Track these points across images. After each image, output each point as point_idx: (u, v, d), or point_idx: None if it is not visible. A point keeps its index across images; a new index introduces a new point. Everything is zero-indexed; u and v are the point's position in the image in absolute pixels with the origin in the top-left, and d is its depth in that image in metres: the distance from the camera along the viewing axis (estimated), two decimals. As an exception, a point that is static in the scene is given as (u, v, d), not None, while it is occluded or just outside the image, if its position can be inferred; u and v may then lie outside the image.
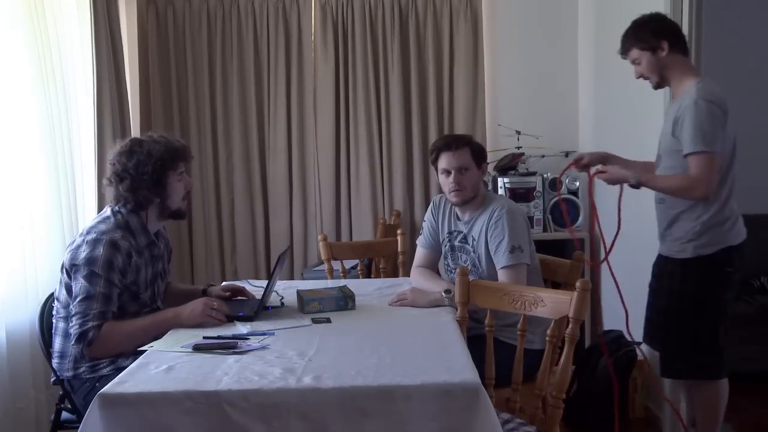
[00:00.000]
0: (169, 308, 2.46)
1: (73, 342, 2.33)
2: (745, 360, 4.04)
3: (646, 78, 2.85)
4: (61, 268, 2.45)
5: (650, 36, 2.77)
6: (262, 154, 4.67)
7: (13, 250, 3.15)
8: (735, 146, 2.76)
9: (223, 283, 2.90)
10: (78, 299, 2.33)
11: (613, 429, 3.41)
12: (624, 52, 2.87)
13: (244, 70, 4.59)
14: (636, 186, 2.72)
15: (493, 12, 4.62)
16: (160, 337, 2.27)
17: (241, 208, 4.64)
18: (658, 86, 2.88)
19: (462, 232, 2.79)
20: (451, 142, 2.75)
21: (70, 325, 2.34)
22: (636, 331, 3.71)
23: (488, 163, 3.63)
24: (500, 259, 2.63)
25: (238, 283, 2.88)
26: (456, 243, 2.82)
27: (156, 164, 2.44)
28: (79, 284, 2.34)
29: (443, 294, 2.59)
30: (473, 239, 2.73)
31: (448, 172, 2.73)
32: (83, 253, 2.35)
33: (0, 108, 3.15)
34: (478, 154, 2.77)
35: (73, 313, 2.34)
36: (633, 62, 2.85)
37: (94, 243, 2.36)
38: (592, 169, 2.91)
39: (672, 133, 2.70)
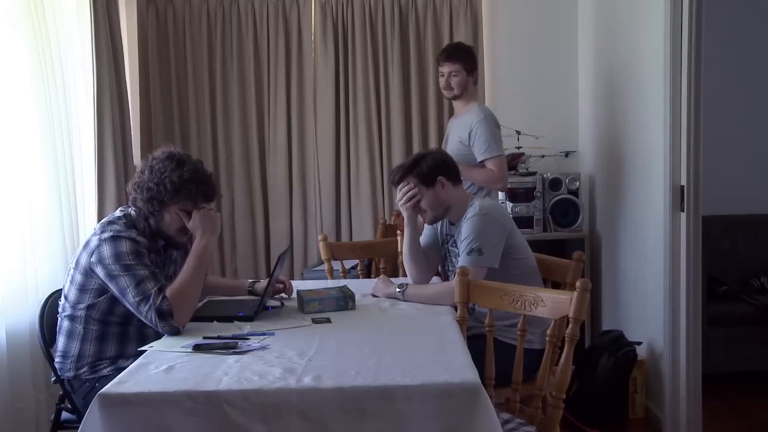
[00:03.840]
0: (193, 244, 2.43)
1: (159, 327, 2.27)
2: (745, 360, 4.04)
3: (450, 89, 3.58)
4: (75, 266, 2.41)
5: (474, 61, 3.62)
6: (262, 154, 4.67)
7: (13, 250, 3.15)
8: None
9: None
10: (130, 292, 2.28)
11: (613, 429, 3.43)
12: (450, 60, 3.55)
13: (244, 70, 4.59)
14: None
15: (493, 12, 4.62)
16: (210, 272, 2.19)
17: (241, 208, 4.64)
18: (455, 98, 3.63)
19: (453, 236, 2.85)
20: (392, 181, 2.84)
21: (143, 316, 2.29)
22: (636, 330, 3.72)
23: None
24: (460, 259, 2.69)
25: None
26: (449, 247, 2.89)
27: (159, 187, 2.41)
28: (120, 280, 2.30)
29: (397, 289, 2.74)
30: (459, 242, 2.76)
31: None
32: (107, 251, 2.33)
33: (0, 108, 3.15)
34: (426, 173, 2.75)
35: (135, 306, 2.28)
36: (450, 73, 3.54)
37: (114, 240, 2.34)
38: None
39: (464, 141, 3.48)
